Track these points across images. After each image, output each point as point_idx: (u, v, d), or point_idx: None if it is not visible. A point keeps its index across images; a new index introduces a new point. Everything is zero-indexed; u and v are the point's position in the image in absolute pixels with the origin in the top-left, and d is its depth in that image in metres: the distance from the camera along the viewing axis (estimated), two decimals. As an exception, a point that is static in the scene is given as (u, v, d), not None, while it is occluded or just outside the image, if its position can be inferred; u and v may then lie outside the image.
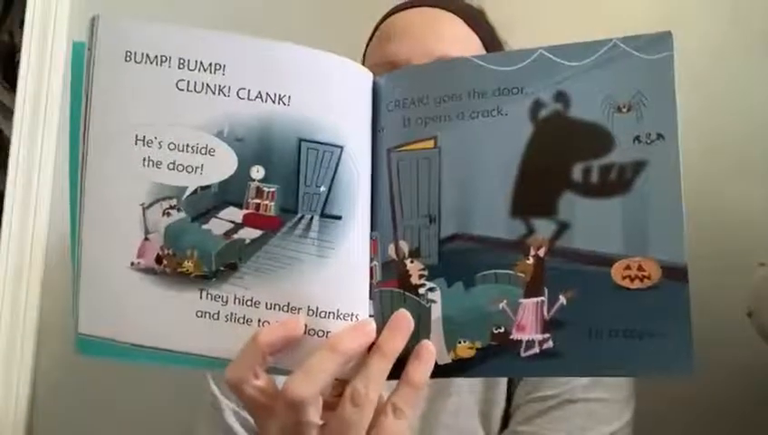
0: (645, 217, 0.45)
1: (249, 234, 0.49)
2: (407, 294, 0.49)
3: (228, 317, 0.49)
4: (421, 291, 0.49)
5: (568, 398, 0.71)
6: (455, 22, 0.77)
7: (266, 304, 0.49)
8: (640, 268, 0.45)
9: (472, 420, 0.75)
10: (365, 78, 0.51)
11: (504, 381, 0.76)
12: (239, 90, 0.49)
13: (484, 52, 0.76)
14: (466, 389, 0.76)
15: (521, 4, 1.07)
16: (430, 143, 0.48)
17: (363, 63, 0.80)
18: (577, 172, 0.45)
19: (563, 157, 0.45)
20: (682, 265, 0.46)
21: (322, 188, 0.49)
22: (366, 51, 0.83)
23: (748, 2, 1.07)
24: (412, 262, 0.49)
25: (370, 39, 0.83)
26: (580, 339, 0.46)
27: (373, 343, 0.49)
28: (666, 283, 0.45)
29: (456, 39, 0.76)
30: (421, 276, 0.48)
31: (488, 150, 0.47)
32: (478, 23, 0.79)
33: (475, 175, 0.47)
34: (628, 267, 0.46)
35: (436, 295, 0.48)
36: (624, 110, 0.46)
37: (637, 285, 0.46)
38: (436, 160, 0.48)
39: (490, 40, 0.79)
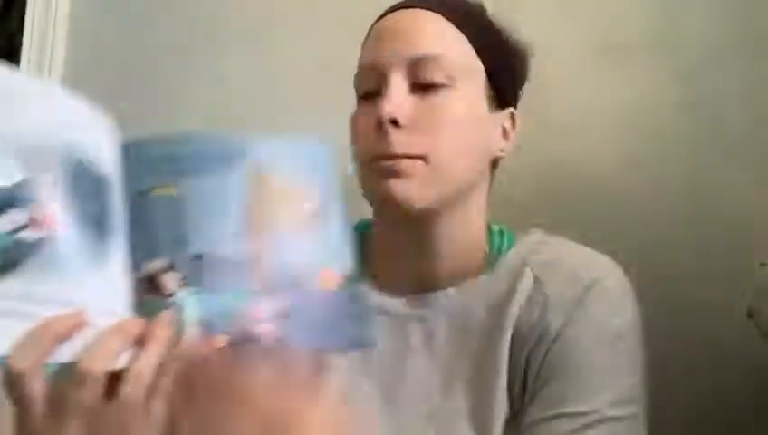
0: (330, 242, 0.63)
1: (33, 235, 0.53)
2: (164, 301, 0.59)
3: (8, 313, 0.52)
4: (176, 298, 0.59)
5: (597, 418, 0.72)
6: (439, 21, 0.79)
7: (45, 300, 0.53)
8: (330, 277, 0.62)
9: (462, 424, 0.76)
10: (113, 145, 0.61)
11: (502, 393, 0.76)
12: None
13: (470, 49, 0.79)
14: (460, 394, 0.77)
15: (522, 2, 1.08)
16: (173, 190, 0.60)
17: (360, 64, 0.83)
18: (283, 213, 0.62)
19: (274, 202, 0.62)
20: (351, 273, 0.63)
21: (95, 207, 0.57)
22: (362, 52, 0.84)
23: (746, 1, 1.08)
24: (167, 275, 0.59)
25: (366, 40, 0.84)
26: (301, 328, 0.60)
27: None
28: (345, 285, 0.62)
29: (439, 38, 0.78)
30: (175, 287, 0.59)
31: (222, 194, 0.61)
32: (466, 22, 0.80)
33: (215, 209, 0.61)
34: (324, 276, 0.62)
35: (189, 302, 0.59)
36: (309, 178, 0.63)
37: (330, 288, 0.61)
38: (182, 200, 0.60)
39: (480, 37, 0.80)
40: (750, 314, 0.91)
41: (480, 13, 0.83)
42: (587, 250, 0.81)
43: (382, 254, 0.85)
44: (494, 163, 0.83)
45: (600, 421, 0.72)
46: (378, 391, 0.79)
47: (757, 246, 0.99)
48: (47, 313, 0.52)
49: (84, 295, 0.54)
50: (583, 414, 0.72)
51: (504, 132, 0.83)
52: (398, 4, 0.82)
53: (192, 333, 0.58)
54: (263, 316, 0.59)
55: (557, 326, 0.75)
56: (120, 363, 0.54)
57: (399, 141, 0.75)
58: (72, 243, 0.54)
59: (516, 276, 0.79)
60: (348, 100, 0.82)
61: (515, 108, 0.85)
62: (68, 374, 0.53)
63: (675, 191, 1.07)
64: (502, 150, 0.83)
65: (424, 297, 0.82)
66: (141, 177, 0.60)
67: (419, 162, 0.76)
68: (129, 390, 0.54)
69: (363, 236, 0.87)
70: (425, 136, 0.76)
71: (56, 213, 0.54)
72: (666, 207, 1.07)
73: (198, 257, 0.59)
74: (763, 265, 0.94)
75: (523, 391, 0.76)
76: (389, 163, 0.76)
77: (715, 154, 1.06)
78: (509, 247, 0.83)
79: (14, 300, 0.52)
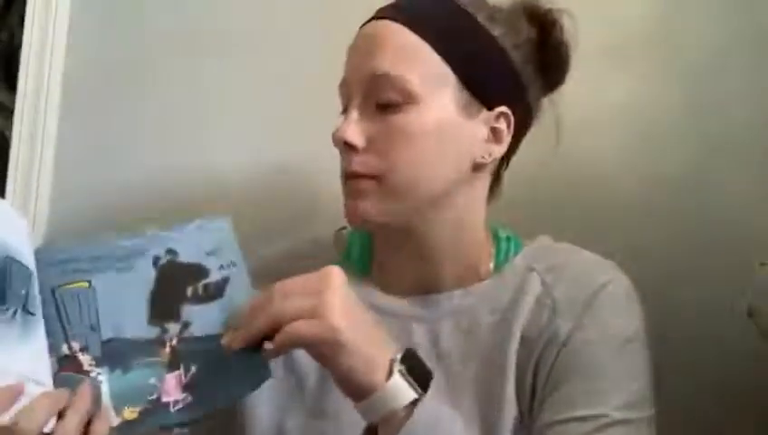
0: (235, 307, 0.71)
1: None
2: (81, 376, 0.68)
3: None
4: (92, 374, 0.69)
5: (607, 421, 0.72)
6: (401, 35, 0.78)
7: None
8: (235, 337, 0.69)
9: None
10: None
11: (510, 397, 0.76)
12: None
13: (435, 59, 0.77)
14: (467, 397, 0.77)
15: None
16: (85, 284, 0.71)
17: None
18: (189, 291, 0.72)
19: (180, 283, 0.72)
20: None
21: (23, 292, 0.67)
22: None
23: (748, 0, 1.08)
24: (83, 355, 0.69)
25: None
26: (208, 388, 0.69)
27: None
28: None
29: (398, 55, 0.77)
30: (90, 365, 0.69)
31: (129, 286, 0.72)
32: (430, 30, 0.77)
33: (123, 300, 0.71)
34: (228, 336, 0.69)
35: (104, 378, 0.69)
36: (211, 254, 0.74)
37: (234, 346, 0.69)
38: (93, 293, 0.71)
39: (447, 43, 0.77)
40: (750, 314, 0.91)
41: (450, 15, 0.80)
42: (592, 255, 0.82)
43: (384, 256, 0.86)
44: (479, 167, 0.80)
45: (610, 425, 0.72)
46: None
47: (757, 246, 0.99)
48: None
49: (18, 365, 0.64)
50: (593, 418, 0.72)
51: (495, 134, 0.80)
52: (373, 15, 0.82)
53: (106, 407, 0.68)
54: (170, 388, 0.69)
55: (566, 330, 0.76)
56: (48, 427, 0.62)
57: (356, 162, 0.77)
58: (3, 322, 0.64)
59: (523, 281, 0.80)
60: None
61: (521, 102, 0.81)
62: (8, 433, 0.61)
63: (675, 191, 1.07)
64: (488, 155, 0.79)
65: (428, 299, 0.82)
66: (53, 275, 0.71)
67: (373, 182, 0.77)
68: None
69: (370, 235, 0.88)
70: (379, 157, 0.77)
71: None
72: (666, 207, 1.07)
73: (108, 341, 0.70)
74: (762, 265, 0.94)
75: (532, 396, 0.76)
76: (350, 183, 0.78)
77: (714, 154, 1.06)
78: (516, 253, 0.83)
79: None
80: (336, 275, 0.65)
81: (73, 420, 0.63)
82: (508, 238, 0.85)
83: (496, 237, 0.85)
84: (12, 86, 1.27)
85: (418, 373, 0.66)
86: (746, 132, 1.06)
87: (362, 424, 0.74)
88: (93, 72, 1.28)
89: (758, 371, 0.98)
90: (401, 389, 0.65)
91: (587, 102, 1.06)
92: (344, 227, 0.91)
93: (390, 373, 0.65)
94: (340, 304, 0.63)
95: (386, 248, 0.86)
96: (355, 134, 0.77)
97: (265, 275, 0.71)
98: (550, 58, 0.84)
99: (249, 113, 1.22)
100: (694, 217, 1.06)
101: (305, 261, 0.72)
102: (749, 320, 0.91)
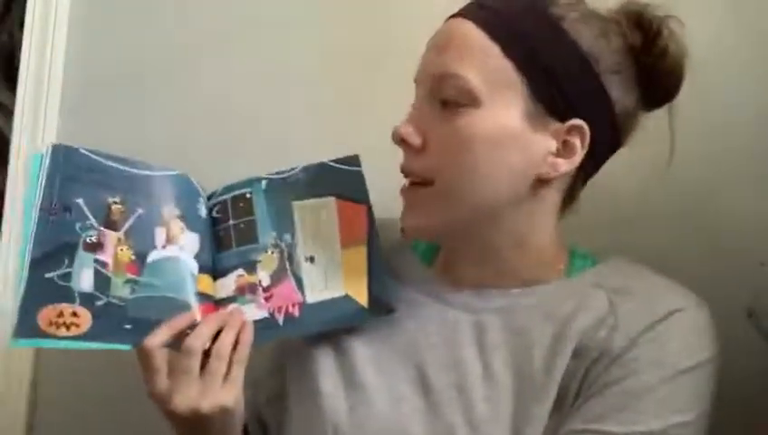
0: None
1: None
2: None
3: None
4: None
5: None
6: (472, 35, 0.75)
7: None
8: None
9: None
10: None
11: (549, 402, 0.73)
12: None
13: (505, 63, 0.74)
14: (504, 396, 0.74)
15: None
16: None
17: None
18: None
19: None
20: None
21: None
22: None
23: (748, 1, 1.07)
24: None
25: None
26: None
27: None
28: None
29: (465, 55, 0.74)
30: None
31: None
32: (504, 32, 0.74)
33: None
34: None
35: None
36: None
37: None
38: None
39: (521, 47, 0.74)
40: (750, 314, 0.91)
41: (531, 18, 0.76)
42: (666, 280, 0.78)
43: (448, 254, 0.86)
44: (545, 182, 0.77)
45: None
46: (418, 378, 0.78)
47: (757, 247, 0.99)
48: None
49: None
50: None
51: (566, 148, 0.76)
52: (454, 12, 0.79)
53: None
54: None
55: (621, 345, 0.72)
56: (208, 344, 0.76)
57: (411, 159, 0.77)
58: None
59: (589, 294, 0.76)
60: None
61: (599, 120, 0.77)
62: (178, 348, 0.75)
63: (673, 192, 1.07)
64: (553, 169, 0.76)
65: (483, 292, 0.80)
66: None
67: (424, 190, 0.77)
68: (214, 362, 0.75)
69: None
70: (436, 158, 0.76)
71: None
72: (664, 207, 1.07)
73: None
74: (762, 265, 0.94)
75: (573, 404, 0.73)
76: (404, 194, 0.79)
77: (713, 154, 1.06)
78: (589, 269, 0.81)
79: None
80: None
81: (229, 336, 0.76)
82: (584, 256, 0.83)
83: (572, 255, 0.83)
84: (12, 86, 1.27)
85: None
86: (746, 132, 1.06)
87: (473, 413, 0.74)
88: (93, 71, 1.28)
89: (758, 371, 0.98)
90: None
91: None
92: None
93: None
94: None
95: (448, 249, 0.86)
96: (411, 132, 0.76)
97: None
98: (653, 68, 0.79)
99: (253, 111, 1.22)
100: (693, 218, 1.06)
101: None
102: (749, 320, 0.91)
